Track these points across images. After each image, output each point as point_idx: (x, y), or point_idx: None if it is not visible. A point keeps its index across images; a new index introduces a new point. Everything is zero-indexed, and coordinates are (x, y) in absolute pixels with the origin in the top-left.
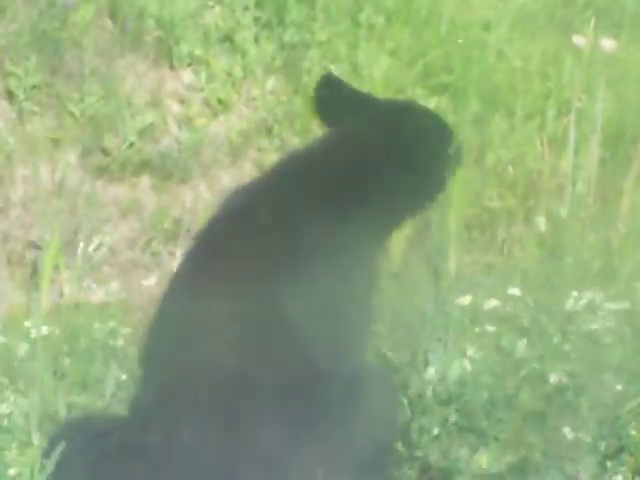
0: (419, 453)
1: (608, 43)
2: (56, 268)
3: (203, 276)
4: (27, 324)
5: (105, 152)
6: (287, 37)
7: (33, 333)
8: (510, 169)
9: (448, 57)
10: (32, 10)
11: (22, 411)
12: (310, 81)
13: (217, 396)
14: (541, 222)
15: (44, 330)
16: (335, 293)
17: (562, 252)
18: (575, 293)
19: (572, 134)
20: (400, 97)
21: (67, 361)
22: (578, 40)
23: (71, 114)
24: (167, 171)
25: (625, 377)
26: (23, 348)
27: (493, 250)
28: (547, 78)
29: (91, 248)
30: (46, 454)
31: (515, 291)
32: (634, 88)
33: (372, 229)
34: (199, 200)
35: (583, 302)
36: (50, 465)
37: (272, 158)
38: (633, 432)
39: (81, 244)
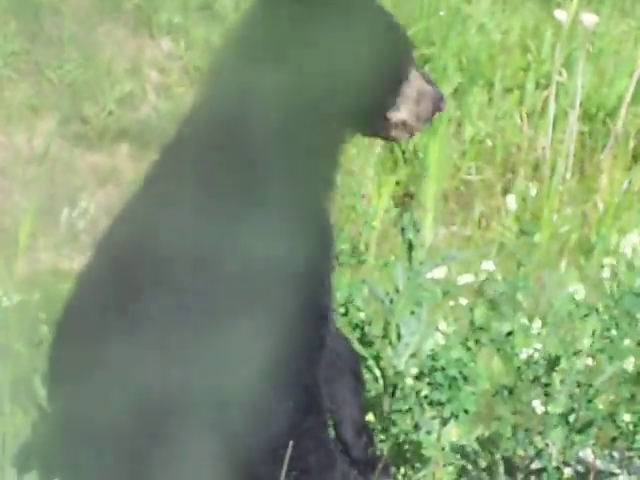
0: (391, 426)
1: (588, 18)
2: (33, 236)
3: None
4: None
5: (84, 120)
6: None
7: (5, 301)
8: (489, 142)
9: (429, 30)
10: None
11: None
12: None
13: None
14: (511, 200)
15: (16, 298)
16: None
17: (539, 226)
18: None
19: (551, 108)
20: None
21: (44, 329)
22: (559, 14)
23: (49, 81)
24: (146, 139)
25: (595, 351)
26: None
27: (470, 223)
28: (527, 51)
29: (69, 216)
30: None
31: (489, 265)
32: (613, 63)
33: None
34: None
35: (556, 276)
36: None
37: None
38: (601, 406)
39: (59, 212)
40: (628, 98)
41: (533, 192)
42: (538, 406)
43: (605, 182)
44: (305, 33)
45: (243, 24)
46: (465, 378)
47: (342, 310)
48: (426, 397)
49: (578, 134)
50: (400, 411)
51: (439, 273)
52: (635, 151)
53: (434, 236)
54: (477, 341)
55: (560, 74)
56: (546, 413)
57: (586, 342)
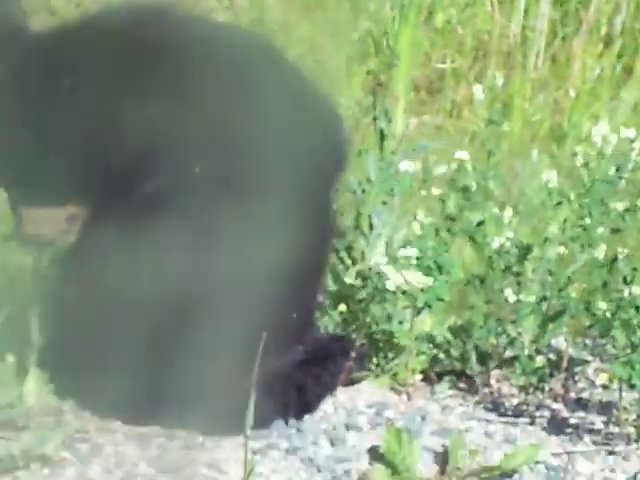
0: (363, 317)
1: None
2: None
3: None
4: None
5: (52, 11)
6: None
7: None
8: (459, 30)
9: None
10: None
11: None
12: None
13: None
14: (478, 90)
15: None
16: None
17: (511, 114)
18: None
19: None
20: None
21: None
22: None
23: None
24: None
25: (567, 239)
26: None
27: (442, 112)
28: None
29: None
30: None
31: (463, 154)
32: None
33: None
34: None
35: (528, 165)
36: None
37: (220, 19)
38: (573, 294)
39: None
40: None
41: (500, 81)
42: (510, 295)
43: (577, 69)
44: None
45: None
46: (439, 268)
47: None
48: (399, 288)
49: (549, 21)
50: (373, 302)
51: (411, 163)
52: (607, 37)
53: (405, 126)
54: (449, 231)
55: None
56: (518, 302)
57: (558, 230)
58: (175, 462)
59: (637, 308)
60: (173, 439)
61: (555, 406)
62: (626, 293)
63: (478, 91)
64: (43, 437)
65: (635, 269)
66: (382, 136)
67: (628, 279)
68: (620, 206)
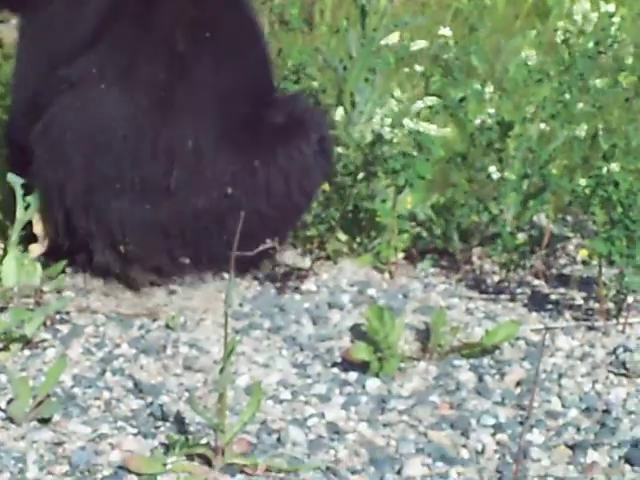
0: (346, 194)
1: None
2: None
3: None
4: None
5: None
6: None
7: None
8: None
9: None
10: None
11: None
12: None
13: None
14: None
15: None
16: None
17: None
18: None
19: None
20: None
21: None
22: None
23: None
24: None
25: (549, 116)
26: None
27: None
28: None
29: None
30: None
31: (446, 31)
32: None
33: None
34: None
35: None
36: None
37: None
38: (554, 171)
39: None
40: None
41: None
42: (492, 172)
43: None
44: None
45: None
46: (419, 145)
47: (294, 78)
48: (381, 165)
49: None
50: (355, 180)
51: (393, 39)
52: None
53: (388, 2)
54: (431, 108)
55: None
56: (500, 179)
57: (539, 107)
58: (156, 342)
59: (616, 184)
60: (154, 320)
61: (536, 282)
62: (605, 170)
63: None
64: (23, 318)
65: (614, 146)
66: (363, 12)
67: (607, 156)
68: (599, 82)
